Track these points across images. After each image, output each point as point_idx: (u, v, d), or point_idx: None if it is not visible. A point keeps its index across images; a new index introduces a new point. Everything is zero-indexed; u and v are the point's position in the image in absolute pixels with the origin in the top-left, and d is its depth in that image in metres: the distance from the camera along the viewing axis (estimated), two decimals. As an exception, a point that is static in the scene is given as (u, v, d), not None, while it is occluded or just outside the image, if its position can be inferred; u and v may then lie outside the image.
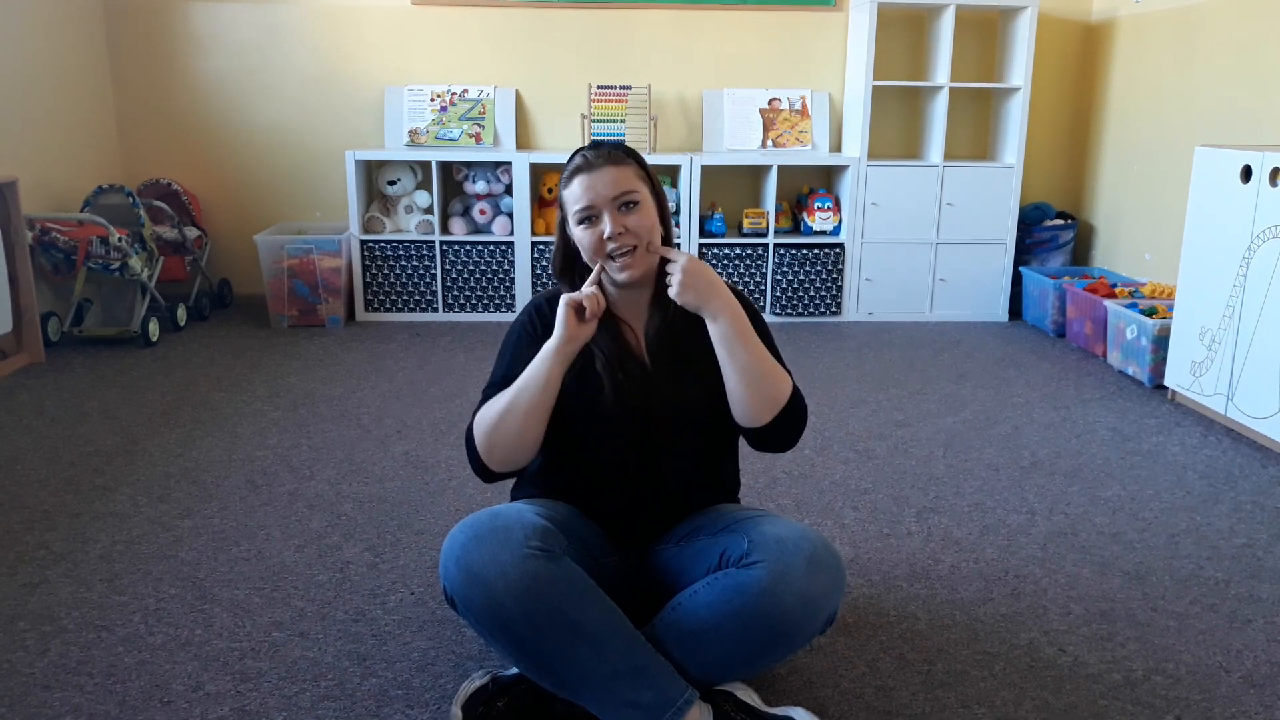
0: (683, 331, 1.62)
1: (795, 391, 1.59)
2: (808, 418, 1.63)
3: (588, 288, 1.55)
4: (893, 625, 1.89)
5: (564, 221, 1.63)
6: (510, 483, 1.76)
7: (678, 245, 1.69)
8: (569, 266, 1.66)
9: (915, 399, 3.33)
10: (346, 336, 4.10)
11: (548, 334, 1.57)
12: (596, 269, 1.58)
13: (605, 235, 1.54)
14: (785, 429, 1.58)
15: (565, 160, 1.60)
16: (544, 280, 4.39)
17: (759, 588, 1.42)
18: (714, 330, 1.54)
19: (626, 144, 1.65)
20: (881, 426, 3.04)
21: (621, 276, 1.57)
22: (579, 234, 1.58)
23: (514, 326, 1.69)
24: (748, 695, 1.55)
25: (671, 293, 1.54)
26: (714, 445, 1.71)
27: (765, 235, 4.41)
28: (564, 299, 1.53)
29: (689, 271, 1.52)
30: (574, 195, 1.57)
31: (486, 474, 1.59)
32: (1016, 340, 4.16)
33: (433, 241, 4.34)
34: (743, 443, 1.77)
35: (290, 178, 4.61)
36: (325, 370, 3.58)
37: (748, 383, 1.54)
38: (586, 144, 1.64)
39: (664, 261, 1.59)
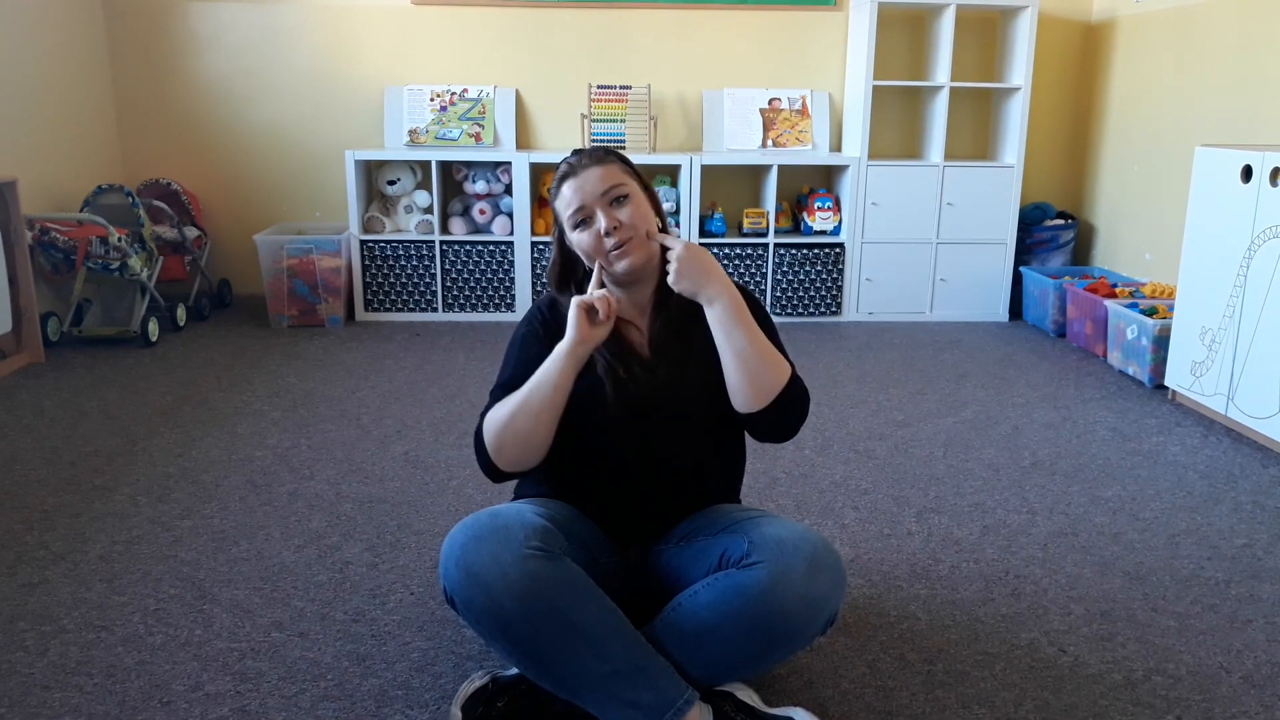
0: (686, 327, 1.63)
1: (794, 379, 1.57)
2: (808, 406, 1.61)
3: (596, 289, 1.56)
4: (893, 625, 1.89)
5: (560, 233, 1.65)
6: (514, 482, 1.76)
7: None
8: (567, 278, 1.68)
9: (915, 399, 3.32)
10: (346, 336, 4.10)
11: (552, 336, 1.59)
12: (597, 271, 1.58)
13: (601, 231, 1.55)
14: (783, 416, 1.56)
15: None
16: (543, 280, 4.39)
17: (759, 589, 1.42)
18: (710, 315, 1.55)
19: (612, 147, 1.67)
20: (881, 426, 3.04)
21: (621, 266, 1.58)
22: (576, 238, 1.59)
23: (518, 330, 1.70)
24: (748, 696, 1.55)
25: (670, 279, 1.55)
26: (715, 444, 1.71)
27: (765, 235, 4.41)
28: (575, 300, 1.54)
29: (685, 258, 1.54)
30: (565, 200, 1.59)
31: (495, 474, 1.60)
32: (1017, 340, 4.16)
33: (432, 241, 4.33)
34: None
35: (290, 178, 4.61)
36: (325, 370, 3.58)
37: (743, 366, 1.53)
38: (570, 152, 1.66)
39: (664, 251, 1.60)
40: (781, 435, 1.60)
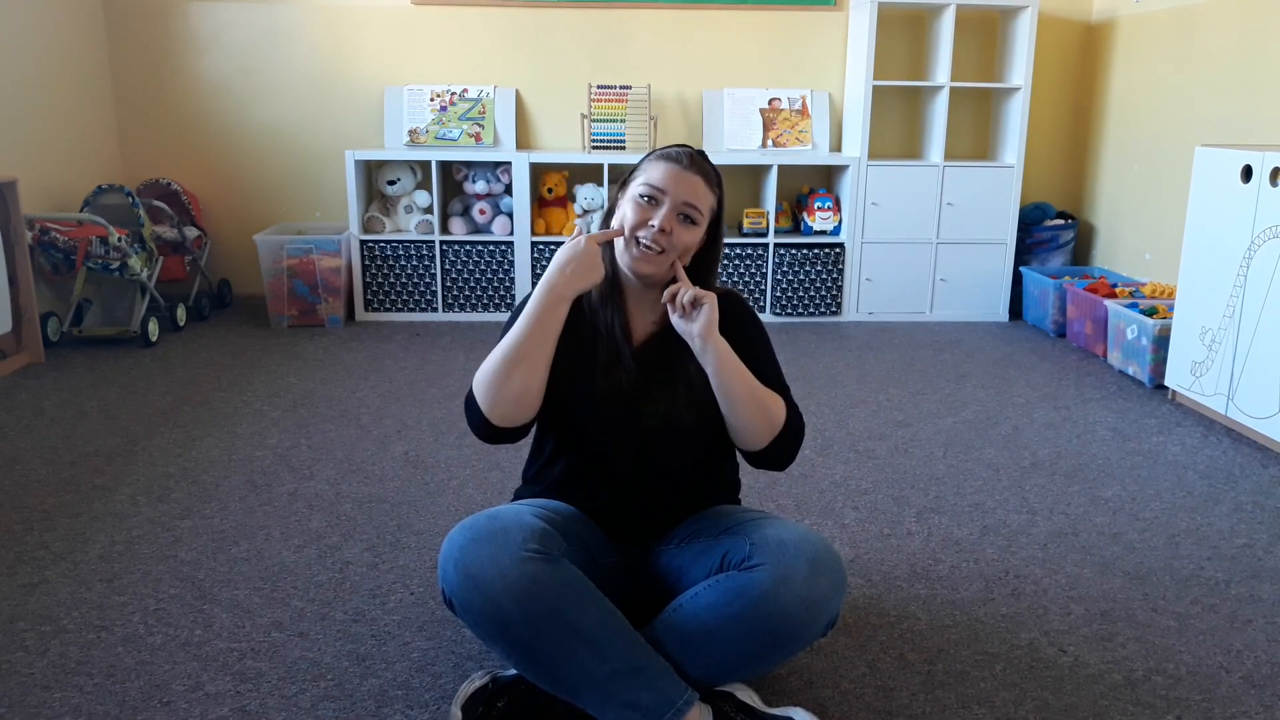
0: (677, 345, 1.62)
1: (791, 417, 1.62)
2: (803, 438, 1.66)
3: (598, 238, 1.59)
4: (893, 625, 1.89)
5: (622, 186, 1.65)
6: (510, 478, 1.76)
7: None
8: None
9: (915, 399, 3.32)
10: (346, 336, 4.10)
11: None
12: (615, 230, 1.60)
13: (650, 222, 1.56)
14: (780, 453, 1.63)
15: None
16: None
17: (760, 590, 1.42)
18: (705, 361, 1.56)
19: (721, 175, 1.67)
20: (881, 427, 3.04)
21: (633, 260, 1.58)
22: (631, 201, 1.59)
23: (523, 300, 1.68)
24: (748, 696, 1.55)
25: (684, 297, 1.54)
26: (710, 451, 1.71)
27: (765, 235, 4.40)
28: (586, 236, 1.55)
29: (710, 316, 1.53)
30: (654, 173, 1.59)
31: (488, 431, 1.59)
32: (1017, 340, 4.16)
33: (432, 241, 4.33)
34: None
35: (290, 178, 4.61)
36: (325, 370, 3.58)
37: (739, 413, 1.57)
38: (690, 146, 1.66)
39: (673, 279, 1.60)
40: (777, 467, 1.66)
